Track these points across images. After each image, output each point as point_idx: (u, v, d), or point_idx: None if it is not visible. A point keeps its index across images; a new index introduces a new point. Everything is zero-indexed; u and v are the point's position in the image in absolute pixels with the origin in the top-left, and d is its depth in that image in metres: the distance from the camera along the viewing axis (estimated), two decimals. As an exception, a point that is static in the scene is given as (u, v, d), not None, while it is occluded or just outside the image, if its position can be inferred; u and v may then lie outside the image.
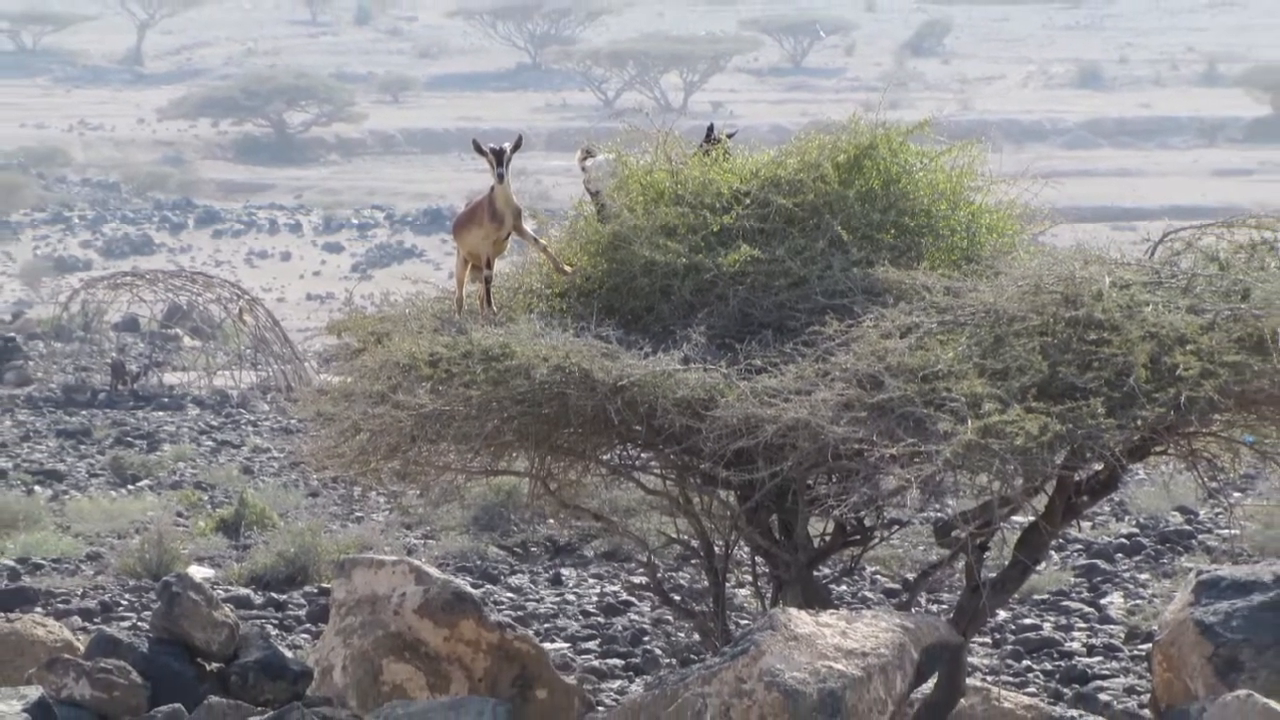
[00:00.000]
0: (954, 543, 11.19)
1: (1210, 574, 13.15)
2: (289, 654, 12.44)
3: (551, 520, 18.89)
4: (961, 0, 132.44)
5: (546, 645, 14.39)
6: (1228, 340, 10.08)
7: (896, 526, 12.81)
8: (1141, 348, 10.01)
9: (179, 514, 21.72)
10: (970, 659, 13.31)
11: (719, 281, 11.32)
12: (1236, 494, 20.37)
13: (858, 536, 12.21)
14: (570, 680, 13.19)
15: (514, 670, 12.73)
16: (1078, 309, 10.40)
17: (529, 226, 11.80)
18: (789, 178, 11.72)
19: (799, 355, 10.53)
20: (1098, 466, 10.83)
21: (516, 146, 11.63)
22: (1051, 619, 16.49)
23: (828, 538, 12.18)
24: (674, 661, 14.95)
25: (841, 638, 9.65)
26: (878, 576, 17.55)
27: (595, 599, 17.44)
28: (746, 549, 12.45)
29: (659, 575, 13.19)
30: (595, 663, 15.26)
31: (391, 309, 12.48)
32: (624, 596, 17.34)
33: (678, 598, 13.24)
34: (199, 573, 17.35)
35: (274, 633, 16.02)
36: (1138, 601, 17.02)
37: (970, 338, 10.35)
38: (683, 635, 15.51)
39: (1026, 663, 15.15)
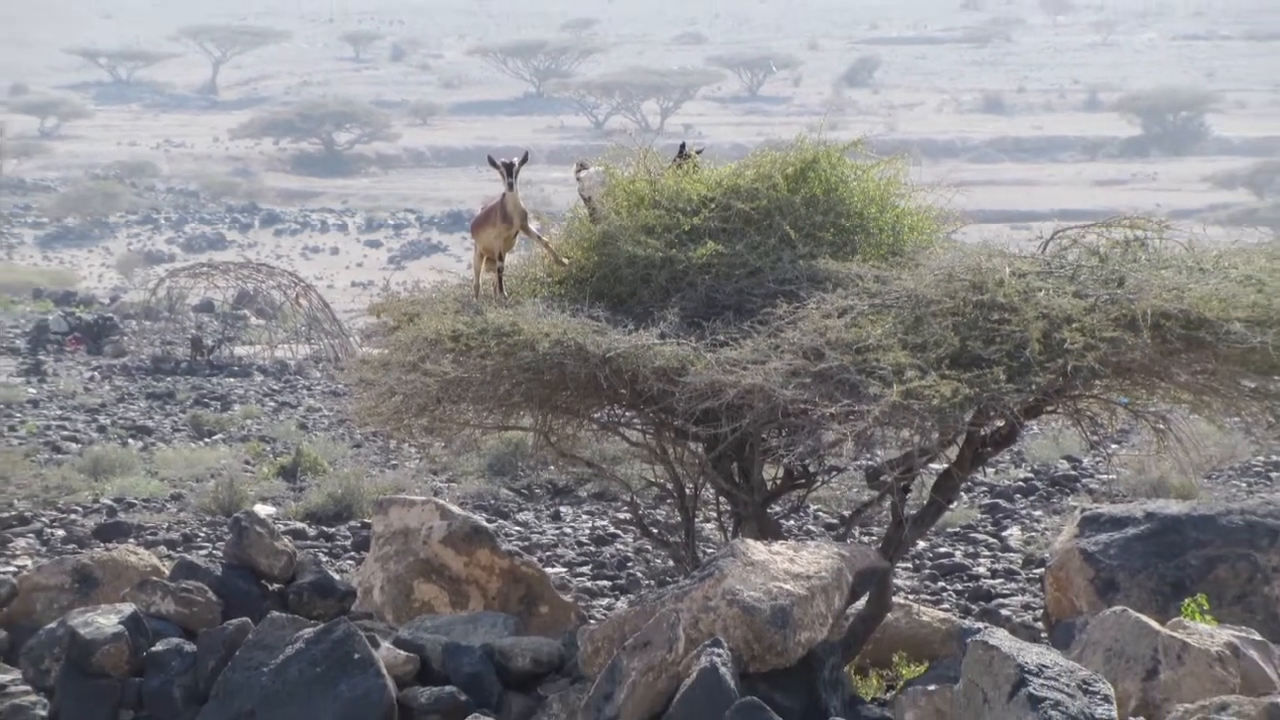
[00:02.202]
0: (882, 485, 11.17)
1: (1092, 511, 13.18)
2: (337, 577, 12.42)
3: (552, 467, 18.90)
4: (888, 41, 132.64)
5: (548, 570, 14.38)
6: (1106, 320, 10.03)
7: (835, 472, 12.80)
8: (1036, 326, 9.97)
9: (246, 462, 21.70)
10: (895, 581, 13.30)
11: (689, 271, 11.26)
12: (1114, 445, 20.40)
13: (803, 480, 12.19)
14: (568, 598, 13.18)
15: (521, 590, 12.72)
16: (983, 294, 10.35)
17: (534, 226, 11.75)
18: (747, 186, 11.66)
19: (755, 332, 10.48)
20: (1000, 423, 10.80)
21: (523, 161, 11.56)
22: (962, 548, 16.49)
23: (779, 481, 12.16)
24: (653, 583, 14.94)
25: (790, 563, 9.63)
26: (820, 514, 17.55)
27: (588, 532, 17.43)
28: (712, 490, 12.43)
29: (640, 512, 13.16)
30: (588, 584, 15.24)
31: (421, 294, 12.44)
32: (611, 530, 17.32)
33: (656, 530, 13.21)
34: (263, 510, 17.31)
35: (325, 559, 16.01)
36: (1032, 534, 17.03)
37: (895, 317, 10.29)
38: (660, 561, 15.50)
39: (941, 584, 15.16)
